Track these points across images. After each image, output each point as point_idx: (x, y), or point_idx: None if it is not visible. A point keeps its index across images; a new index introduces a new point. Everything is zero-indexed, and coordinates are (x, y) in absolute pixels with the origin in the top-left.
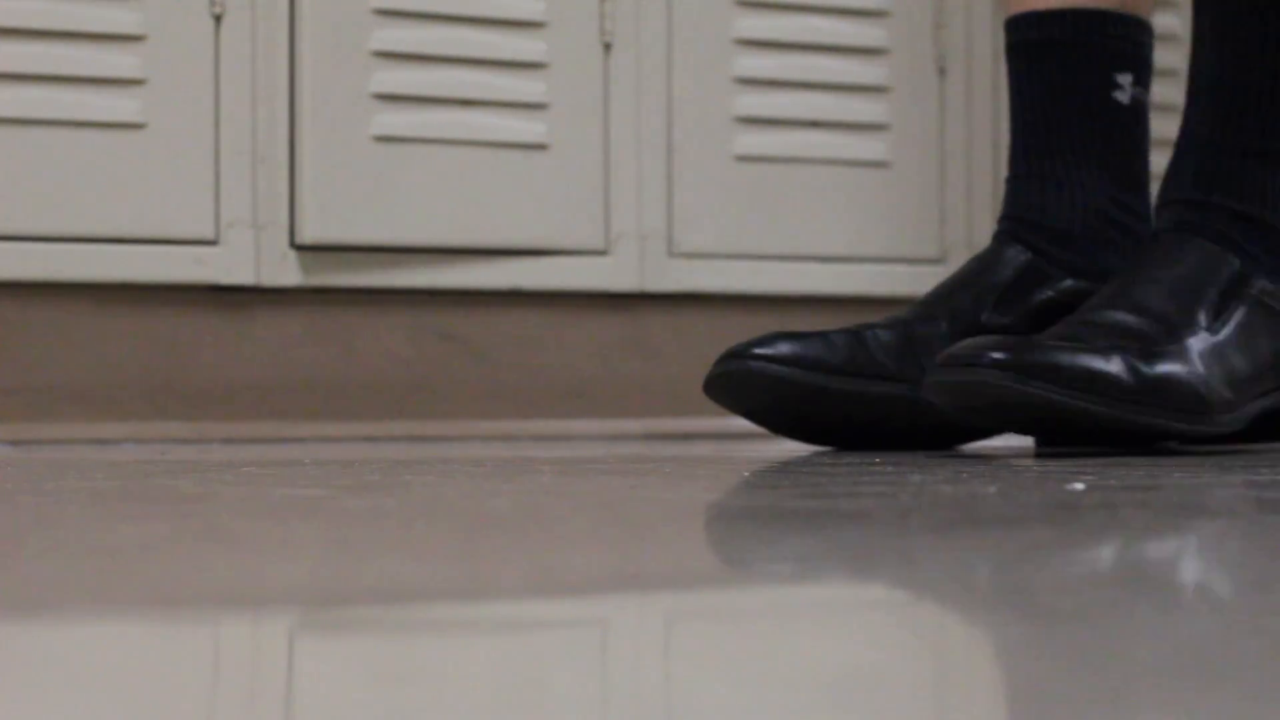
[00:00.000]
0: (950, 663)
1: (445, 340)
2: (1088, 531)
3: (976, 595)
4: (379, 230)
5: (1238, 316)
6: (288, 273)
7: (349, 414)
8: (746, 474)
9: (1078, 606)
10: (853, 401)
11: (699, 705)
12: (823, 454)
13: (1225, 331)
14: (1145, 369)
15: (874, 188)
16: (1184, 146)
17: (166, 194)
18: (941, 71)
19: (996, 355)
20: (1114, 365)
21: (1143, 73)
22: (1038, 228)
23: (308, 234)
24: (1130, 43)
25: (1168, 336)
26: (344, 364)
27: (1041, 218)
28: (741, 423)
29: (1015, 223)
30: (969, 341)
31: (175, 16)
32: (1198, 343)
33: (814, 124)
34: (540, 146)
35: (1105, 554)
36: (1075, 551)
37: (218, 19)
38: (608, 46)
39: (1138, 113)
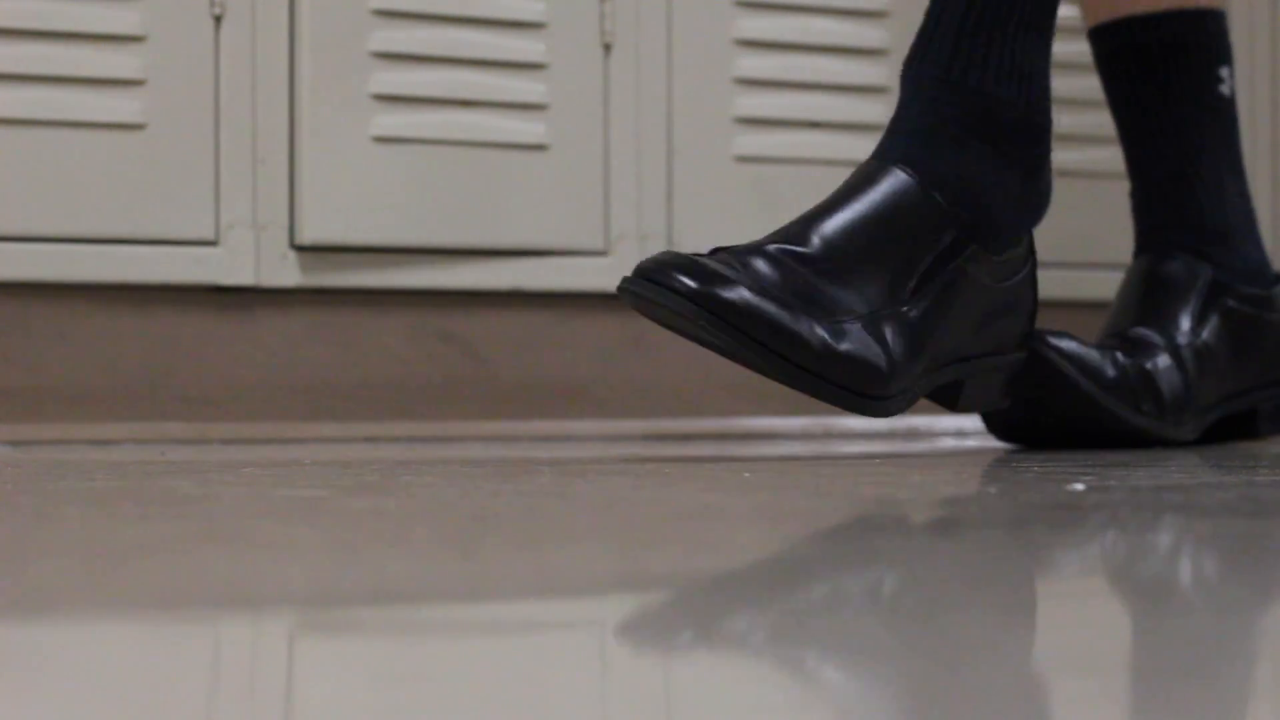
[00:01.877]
0: (949, 663)
1: (445, 340)
2: (1088, 532)
3: (976, 596)
4: (379, 230)
5: (937, 291)
6: (288, 273)
7: (349, 414)
8: (747, 474)
9: (1077, 607)
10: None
11: (699, 705)
12: (823, 455)
13: (923, 306)
14: (834, 344)
15: None
16: (939, 12)
17: (166, 194)
18: None
19: (687, 283)
20: (802, 326)
21: (1233, 63)
22: (1198, 230)
23: (308, 234)
24: (1224, 36)
25: (865, 314)
26: (344, 364)
27: (1200, 223)
28: (742, 423)
29: (1175, 230)
30: (666, 256)
31: (175, 17)
32: (893, 320)
33: (814, 124)
34: (540, 147)
35: (1105, 555)
36: (1075, 552)
37: (218, 19)
38: (608, 47)
39: (1235, 103)
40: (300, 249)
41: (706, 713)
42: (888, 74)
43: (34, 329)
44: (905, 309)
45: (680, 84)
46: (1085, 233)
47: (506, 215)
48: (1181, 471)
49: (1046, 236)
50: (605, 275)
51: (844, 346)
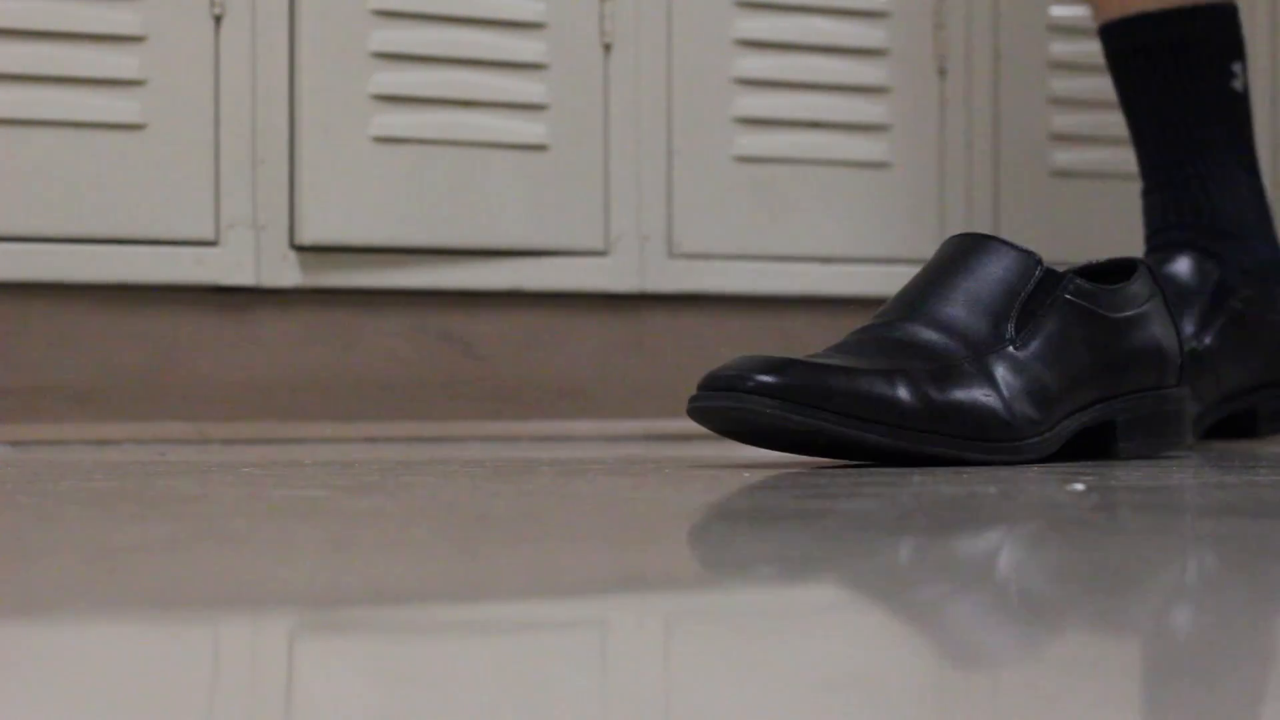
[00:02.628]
0: (949, 663)
1: (445, 340)
2: (1087, 532)
3: (976, 596)
4: (379, 230)
5: (1048, 326)
6: (288, 273)
7: (349, 414)
8: (746, 475)
9: (1076, 608)
10: None
11: (699, 705)
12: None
13: (1034, 345)
14: (936, 394)
15: (874, 188)
16: None
17: (166, 194)
18: (941, 71)
19: (763, 379)
20: (899, 390)
21: (1245, 58)
22: (1209, 231)
23: (308, 234)
24: (1236, 32)
25: (968, 355)
26: (344, 364)
27: (1213, 220)
28: None
29: (1186, 229)
30: (734, 361)
31: (175, 17)
32: (1001, 360)
33: (814, 124)
34: (540, 147)
35: (1105, 555)
36: (1074, 552)
37: (218, 19)
38: (608, 47)
39: (1248, 98)
40: (300, 249)
41: (707, 712)
42: (888, 74)
43: (34, 329)
44: (1013, 348)
45: (680, 84)
46: (1091, 233)
47: (506, 215)
48: (1182, 471)
49: (1052, 237)
50: (605, 275)
51: (952, 396)
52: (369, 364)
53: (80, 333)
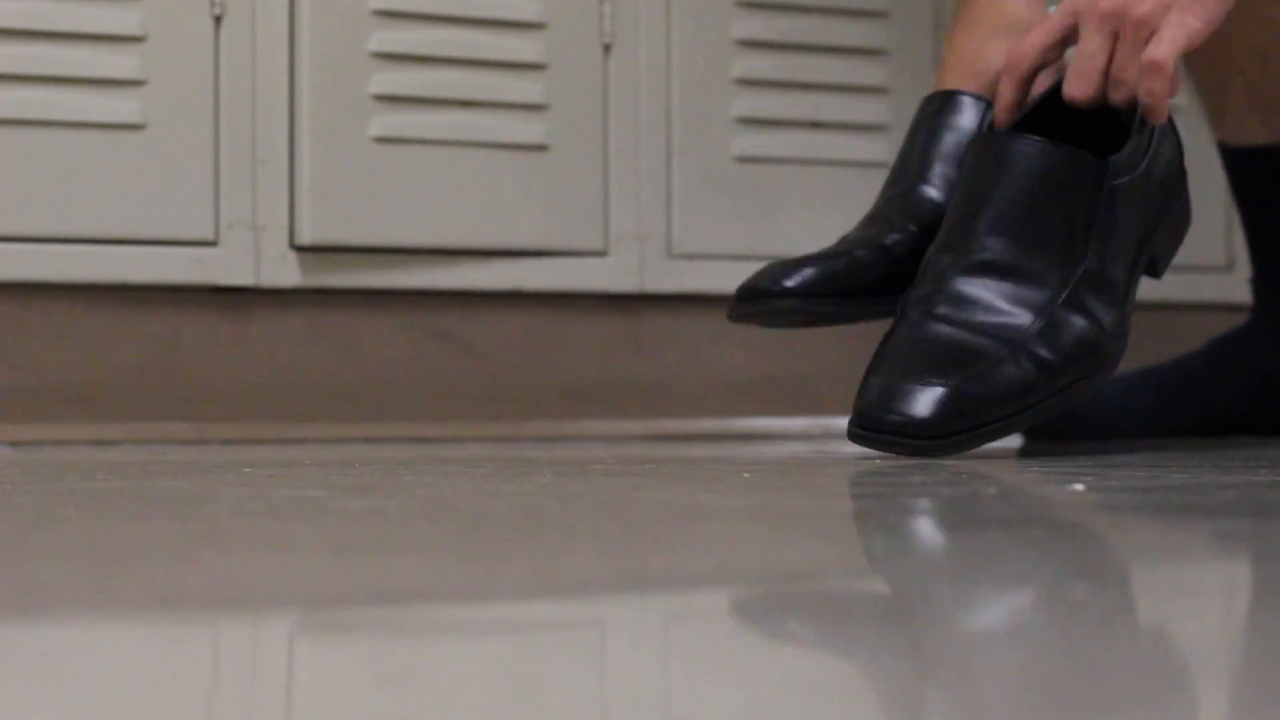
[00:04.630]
0: (948, 664)
1: (445, 340)
2: (1088, 532)
3: (975, 596)
4: (379, 230)
5: (1102, 221)
6: (288, 273)
7: (349, 414)
8: (746, 475)
9: (1077, 608)
10: None
11: (699, 705)
12: (823, 455)
13: (1099, 245)
14: (1049, 355)
15: (873, 188)
16: None
17: (166, 194)
18: None
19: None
20: (1022, 367)
21: None
22: None
23: (307, 235)
24: None
25: (1058, 289)
26: (344, 364)
27: None
28: (742, 423)
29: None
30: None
31: (175, 17)
32: (1082, 283)
33: (814, 124)
34: (540, 147)
35: (1105, 555)
36: (1074, 552)
37: (218, 20)
38: (607, 47)
39: None
40: (300, 249)
41: (706, 712)
42: (887, 74)
43: (34, 329)
44: (1087, 264)
45: (680, 84)
46: None
47: (506, 215)
48: (1182, 471)
49: None
50: (605, 275)
51: (1060, 352)
52: (369, 364)
53: (80, 333)
